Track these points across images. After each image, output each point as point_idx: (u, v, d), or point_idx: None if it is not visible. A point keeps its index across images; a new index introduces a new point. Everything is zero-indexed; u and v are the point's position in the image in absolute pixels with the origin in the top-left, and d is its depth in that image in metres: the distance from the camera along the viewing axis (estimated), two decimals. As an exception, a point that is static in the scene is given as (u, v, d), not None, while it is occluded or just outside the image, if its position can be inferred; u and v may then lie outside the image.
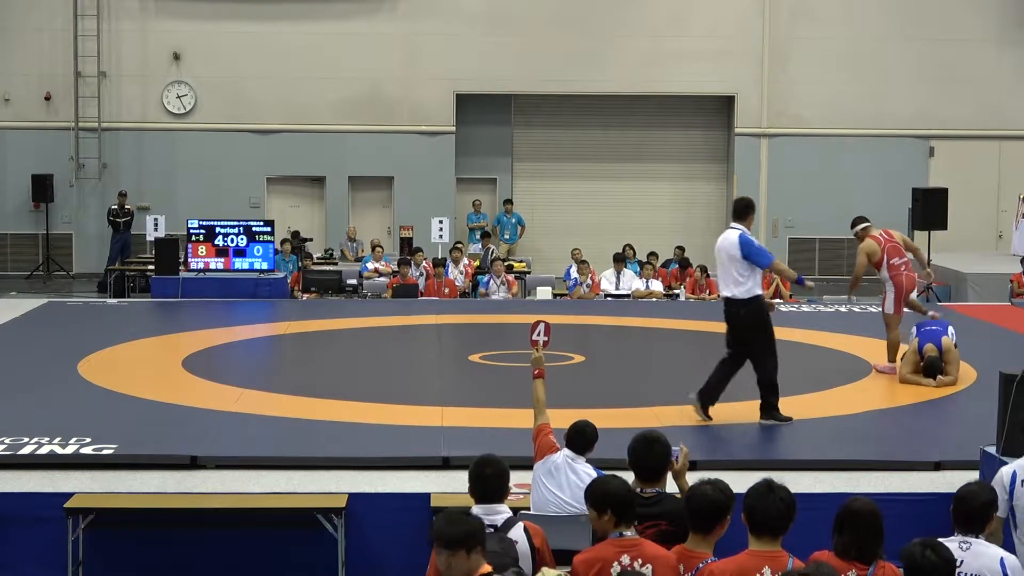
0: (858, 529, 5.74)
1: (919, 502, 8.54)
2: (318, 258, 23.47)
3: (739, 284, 10.46)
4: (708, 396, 10.74)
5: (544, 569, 5.73)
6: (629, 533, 5.79)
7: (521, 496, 7.74)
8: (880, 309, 13.34)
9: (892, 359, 12.94)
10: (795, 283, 11.65)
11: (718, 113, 27.38)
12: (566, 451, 7.32)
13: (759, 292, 10.60)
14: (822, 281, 26.16)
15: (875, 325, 16.13)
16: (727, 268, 10.51)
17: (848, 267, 26.87)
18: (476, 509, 6.24)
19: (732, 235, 10.51)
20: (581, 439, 7.35)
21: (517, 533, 6.11)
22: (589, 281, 19.95)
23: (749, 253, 10.41)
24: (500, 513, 6.21)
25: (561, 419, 10.18)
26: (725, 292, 10.60)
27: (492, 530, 6.09)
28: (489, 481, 6.25)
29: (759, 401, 10.78)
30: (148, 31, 26.16)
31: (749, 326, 10.54)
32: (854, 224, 13.12)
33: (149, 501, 8.54)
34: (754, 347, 10.58)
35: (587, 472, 7.21)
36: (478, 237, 25.08)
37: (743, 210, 10.69)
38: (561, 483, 7.22)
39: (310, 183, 26.99)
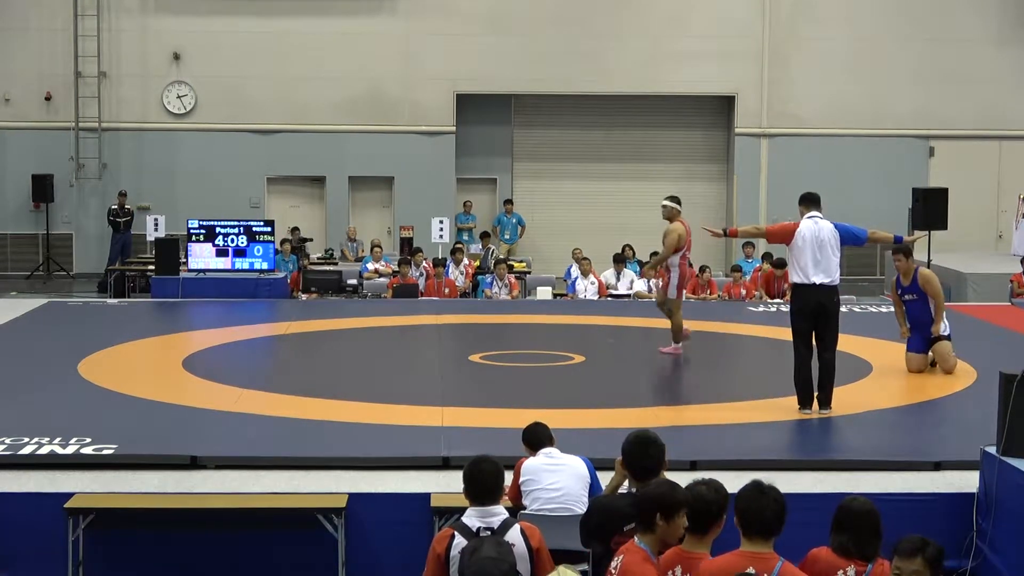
0: (859, 528, 5.75)
1: (919, 502, 8.54)
2: (318, 258, 23.48)
3: (838, 270, 10.90)
4: (803, 391, 10.93)
5: (560, 568, 5.72)
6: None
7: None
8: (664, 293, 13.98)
9: (677, 341, 13.57)
10: (895, 242, 12.12)
11: (718, 113, 27.38)
12: (542, 452, 7.45)
13: None
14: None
15: (875, 325, 16.14)
16: (829, 256, 10.84)
17: (848, 267, 26.87)
18: (471, 511, 6.23)
19: (828, 224, 10.94)
20: (542, 434, 7.65)
21: (514, 535, 6.10)
22: (592, 279, 19.94)
23: (847, 237, 11.05)
24: (496, 515, 6.20)
25: (561, 419, 10.20)
26: (825, 279, 10.80)
27: (489, 533, 6.08)
28: (485, 482, 6.25)
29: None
30: (148, 31, 26.17)
31: (838, 312, 11.02)
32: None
33: (149, 501, 8.54)
34: (833, 332, 10.91)
35: (568, 456, 7.51)
36: (466, 237, 25.10)
37: (817, 199, 11.27)
38: (557, 476, 7.32)
39: (310, 183, 27.00)
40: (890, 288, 13.97)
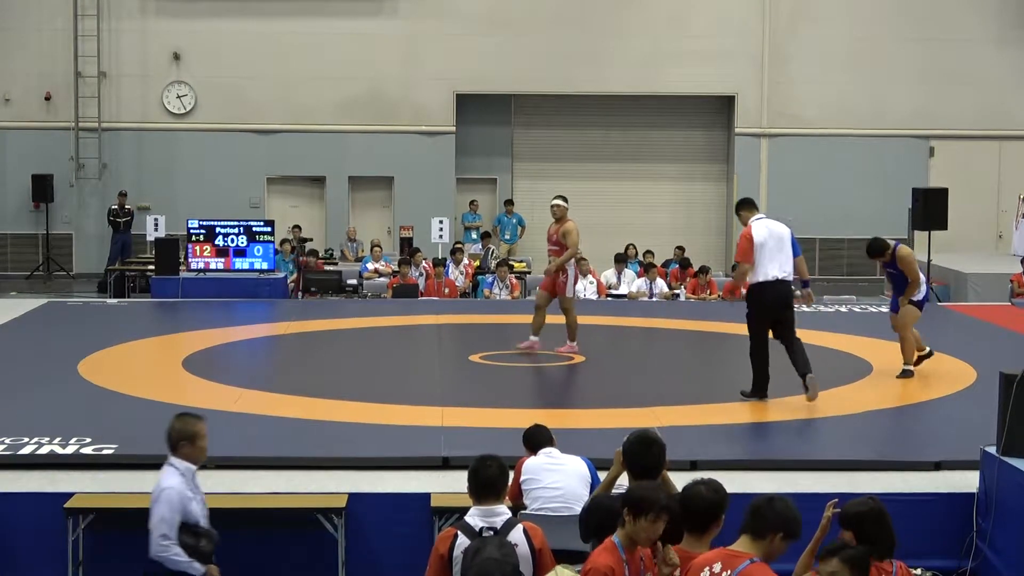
0: (879, 530, 5.77)
1: (919, 502, 8.54)
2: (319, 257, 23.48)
3: (791, 264, 11.20)
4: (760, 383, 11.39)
5: (558, 568, 5.71)
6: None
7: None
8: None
9: (573, 339, 13.70)
10: (801, 284, 12.03)
11: (718, 113, 27.38)
12: (543, 452, 7.47)
13: None
14: (822, 281, 26.17)
15: (875, 325, 16.14)
16: (787, 252, 11.18)
17: (849, 267, 26.93)
18: (475, 511, 6.22)
19: (778, 222, 11.39)
20: (542, 436, 7.67)
21: (517, 535, 6.09)
22: (591, 279, 19.94)
23: (794, 242, 11.37)
24: (499, 515, 6.20)
25: (561, 419, 10.21)
26: (782, 275, 11.12)
27: (492, 532, 6.07)
28: (489, 481, 6.25)
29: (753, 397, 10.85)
30: (148, 31, 26.16)
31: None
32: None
33: (149, 501, 8.53)
34: (792, 325, 11.27)
35: (568, 456, 7.55)
36: (473, 236, 25.10)
37: (754, 202, 11.70)
38: (558, 475, 7.33)
39: (310, 183, 26.99)
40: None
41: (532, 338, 13.81)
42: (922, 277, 12.90)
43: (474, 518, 6.18)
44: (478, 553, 5.66)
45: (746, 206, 11.56)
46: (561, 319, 13.89)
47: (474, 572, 5.37)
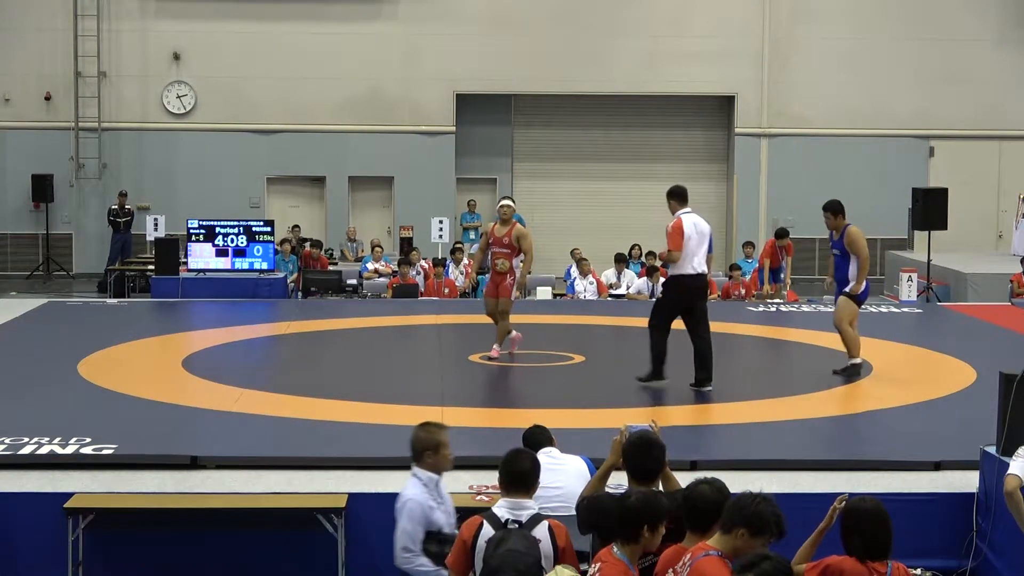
0: (874, 529, 5.75)
1: (919, 502, 8.54)
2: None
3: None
4: (660, 367, 12.03)
5: (558, 568, 5.71)
6: None
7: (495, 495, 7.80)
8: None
9: (500, 342, 13.63)
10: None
11: (718, 113, 27.39)
12: (542, 452, 7.50)
13: None
14: (822, 281, 26.17)
15: (875, 325, 16.14)
16: (705, 248, 11.77)
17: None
18: (503, 502, 6.23)
19: (704, 222, 11.90)
20: (542, 437, 7.66)
21: (541, 531, 6.10)
22: (592, 279, 19.93)
23: (711, 240, 12.01)
24: (526, 509, 6.21)
25: (561, 419, 10.20)
26: (702, 268, 11.75)
27: (517, 526, 6.09)
28: (520, 474, 6.26)
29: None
30: (148, 31, 26.17)
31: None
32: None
33: (149, 501, 8.54)
34: (705, 315, 11.90)
35: (568, 456, 7.56)
36: (472, 237, 25.09)
37: (687, 194, 12.04)
38: (558, 475, 7.33)
39: (310, 183, 27.00)
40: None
41: (496, 346, 13.64)
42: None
43: (501, 509, 6.20)
44: (501, 543, 5.70)
45: (678, 196, 11.94)
46: (566, 320, 13.88)
47: (496, 562, 5.37)
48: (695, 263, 11.69)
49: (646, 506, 5.71)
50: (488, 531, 6.06)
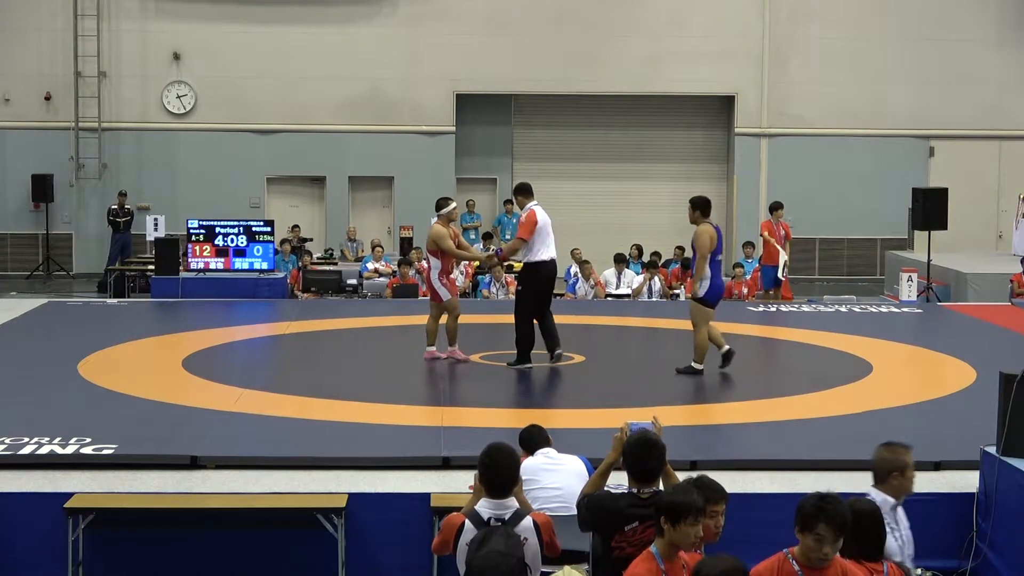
0: (867, 530, 5.75)
1: (919, 502, 8.53)
2: (318, 258, 23.46)
3: None
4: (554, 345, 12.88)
5: (566, 568, 5.69)
6: None
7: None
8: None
9: (451, 343, 13.51)
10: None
11: (718, 113, 27.39)
12: (540, 452, 7.48)
13: None
14: (822, 281, 26.19)
15: (876, 325, 16.15)
16: (552, 237, 12.72)
17: (849, 267, 26.95)
18: (484, 503, 6.21)
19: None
20: (538, 437, 7.72)
21: (526, 527, 6.09)
22: (593, 283, 19.92)
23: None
24: (508, 508, 6.20)
25: (561, 419, 10.20)
26: (554, 255, 12.78)
27: (500, 524, 6.06)
28: (501, 470, 6.25)
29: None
30: (148, 31, 26.18)
31: None
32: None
33: (149, 501, 8.54)
34: (549, 301, 12.92)
35: (566, 456, 7.60)
36: (471, 237, 25.07)
37: (531, 188, 13.08)
38: (556, 475, 7.37)
39: (310, 183, 27.01)
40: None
41: (449, 348, 13.50)
42: (708, 272, 12.47)
43: (483, 508, 6.18)
44: (483, 544, 5.64)
45: (524, 192, 12.98)
46: (566, 320, 13.89)
47: (477, 564, 5.33)
48: (547, 251, 12.65)
49: (670, 500, 5.73)
50: (470, 531, 6.04)
